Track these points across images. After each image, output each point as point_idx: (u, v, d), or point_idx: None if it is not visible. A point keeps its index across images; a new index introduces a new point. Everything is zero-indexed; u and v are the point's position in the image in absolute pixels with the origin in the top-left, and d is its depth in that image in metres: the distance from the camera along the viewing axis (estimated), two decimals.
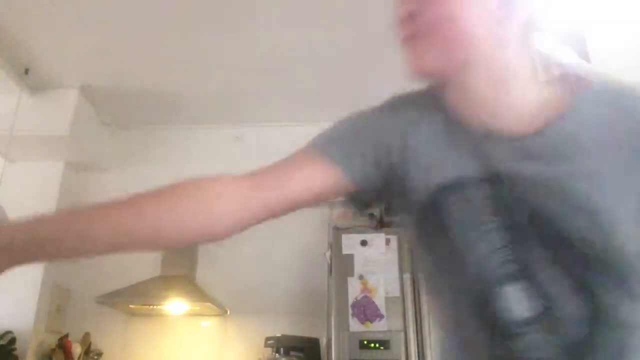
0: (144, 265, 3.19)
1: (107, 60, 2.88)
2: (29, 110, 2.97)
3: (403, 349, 2.50)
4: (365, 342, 2.50)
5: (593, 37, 3.81)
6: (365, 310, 2.57)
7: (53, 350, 2.93)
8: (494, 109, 0.63)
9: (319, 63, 2.93)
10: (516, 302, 0.56)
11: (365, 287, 2.61)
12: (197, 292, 2.97)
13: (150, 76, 3.05)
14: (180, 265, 3.18)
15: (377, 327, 2.54)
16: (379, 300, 2.59)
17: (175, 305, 2.95)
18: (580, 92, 0.64)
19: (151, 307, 2.98)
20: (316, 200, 0.69)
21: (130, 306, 2.99)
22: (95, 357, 3.06)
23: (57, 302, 3.12)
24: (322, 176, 0.67)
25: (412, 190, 0.66)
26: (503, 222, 0.59)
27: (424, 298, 2.56)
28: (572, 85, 0.63)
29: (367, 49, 2.80)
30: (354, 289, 2.61)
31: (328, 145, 0.70)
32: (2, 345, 2.70)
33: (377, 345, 2.51)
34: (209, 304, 2.86)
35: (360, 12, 2.50)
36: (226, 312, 3.10)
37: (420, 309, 2.56)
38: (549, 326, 0.55)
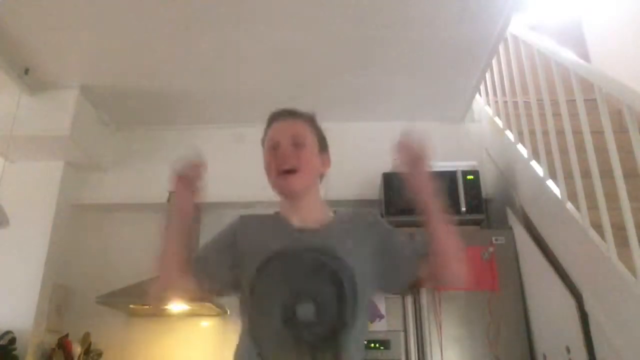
0: (144, 265, 3.19)
1: (107, 60, 2.88)
2: (29, 110, 2.97)
3: (403, 349, 2.50)
4: (365, 342, 2.50)
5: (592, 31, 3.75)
6: None
7: (53, 350, 2.93)
8: (307, 216, 1.26)
9: (319, 63, 2.93)
10: (305, 311, 1.12)
11: None
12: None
13: (150, 76, 3.05)
14: None
15: (377, 327, 2.54)
16: (379, 300, 2.59)
17: (175, 305, 2.94)
18: (336, 212, 1.33)
19: (151, 307, 2.98)
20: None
21: (130, 306, 2.99)
22: (95, 357, 3.06)
23: (57, 302, 3.12)
24: (199, 286, 1.25)
25: (251, 260, 1.18)
26: (308, 269, 1.17)
27: (424, 298, 2.57)
28: (332, 211, 1.33)
29: (367, 49, 2.80)
30: None
31: (198, 268, 1.24)
32: (2, 345, 2.70)
33: (377, 345, 2.51)
34: (209, 304, 2.86)
35: (362, 12, 2.50)
36: (226, 312, 3.10)
37: (420, 309, 2.56)
38: (321, 322, 1.12)
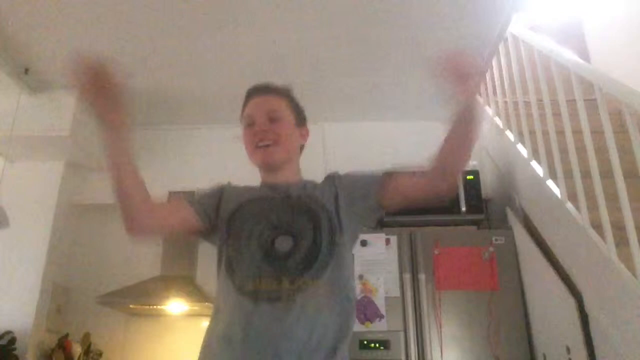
0: (144, 265, 3.19)
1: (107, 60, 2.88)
2: (29, 110, 2.97)
3: (403, 349, 2.50)
4: (365, 342, 2.50)
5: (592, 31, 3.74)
6: (365, 310, 2.57)
7: (53, 350, 2.93)
8: (286, 177, 1.32)
9: (319, 63, 2.93)
10: (283, 242, 1.19)
11: (365, 287, 2.61)
12: (197, 292, 2.97)
13: (150, 76, 3.05)
14: (180, 265, 3.18)
15: (377, 327, 2.54)
16: (379, 300, 2.59)
17: (175, 305, 2.95)
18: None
19: (151, 307, 2.98)
20: (184, 227, 1.30)
21: (130, 306, 2.99)
22: (95, 357, 3.06)
23: (57, 302, 3.13)
24: (186, 213, 1.27)
25: (227, 208, 1.27)
26: (284, 206, 1.25)
27: (424, 298, 2.57)
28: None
29: (367, 49, 2.80)
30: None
31: (192, 200, 1.30)
32: (2, 345, 2.71)
33: (377, 345, 2.51)
34: (209, 304, 2.86)
35: (362, 12, 2.50)
36: None
37: (420, 309, 2.56)
38: (299, 252, 1.18)
